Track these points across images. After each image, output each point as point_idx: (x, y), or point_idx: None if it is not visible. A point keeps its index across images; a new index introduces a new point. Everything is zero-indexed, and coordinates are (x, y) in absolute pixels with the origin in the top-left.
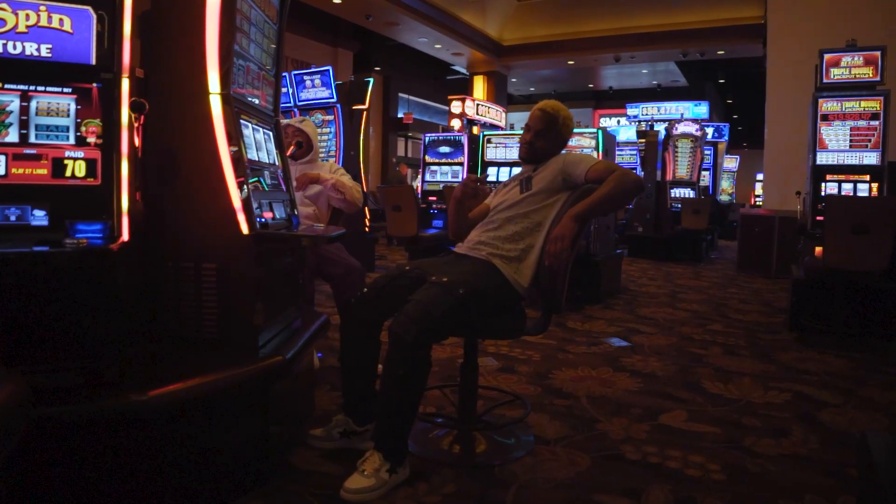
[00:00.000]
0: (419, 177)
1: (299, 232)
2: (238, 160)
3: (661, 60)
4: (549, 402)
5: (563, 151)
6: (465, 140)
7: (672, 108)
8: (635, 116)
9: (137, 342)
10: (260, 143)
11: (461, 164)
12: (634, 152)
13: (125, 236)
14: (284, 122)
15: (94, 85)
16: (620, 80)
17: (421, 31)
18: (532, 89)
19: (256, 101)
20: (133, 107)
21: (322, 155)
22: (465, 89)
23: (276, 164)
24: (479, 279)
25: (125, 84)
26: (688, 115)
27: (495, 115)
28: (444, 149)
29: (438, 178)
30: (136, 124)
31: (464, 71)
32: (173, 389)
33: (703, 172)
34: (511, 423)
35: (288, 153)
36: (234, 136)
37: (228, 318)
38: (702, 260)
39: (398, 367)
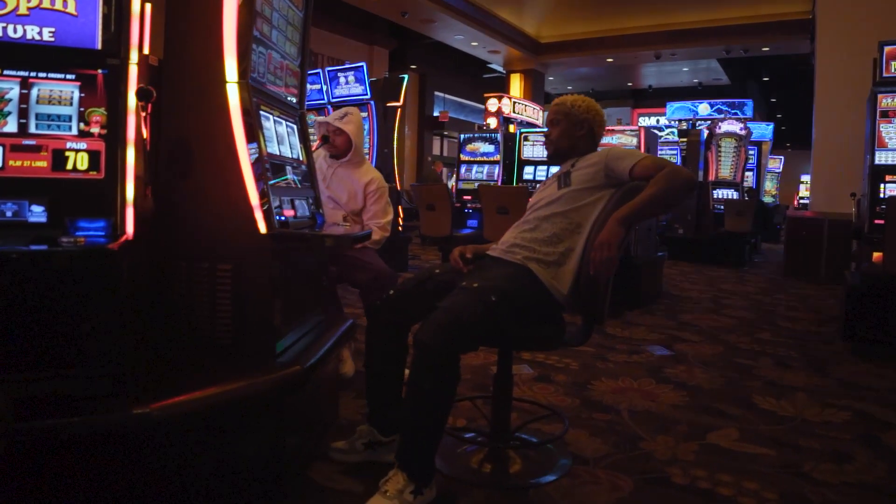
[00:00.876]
0: (454, 175)
1: (323, 231)
2: (256, 154)
3: (703, 58)
4: (587, 416)
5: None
6: (500, 138)
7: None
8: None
9: (145, 348)
10: (282, 137)
11: (497, 162)
12: (675, 152)
13: (129, 234)
14: (321, 119)
15: (100, 71)
16: (660, 78)
17: (457, 28)
18: (570, 88)
19: (279, 93)
20: (140, 94)
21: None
22: (501, 88)
23: (301, 158)
24: (514, 285)
25: (133, 71)
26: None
27: (532, 113)
28: (480, 147)
29: (474, 176)
30: (143, 114)
31: (500, 69)
32: (178, 402)
33: (747, 173)
34: (547, 441)
35: (314, 148)
36: (253, 128)
37: (244, 323)
38: (745, 264)
39: (424, 380)
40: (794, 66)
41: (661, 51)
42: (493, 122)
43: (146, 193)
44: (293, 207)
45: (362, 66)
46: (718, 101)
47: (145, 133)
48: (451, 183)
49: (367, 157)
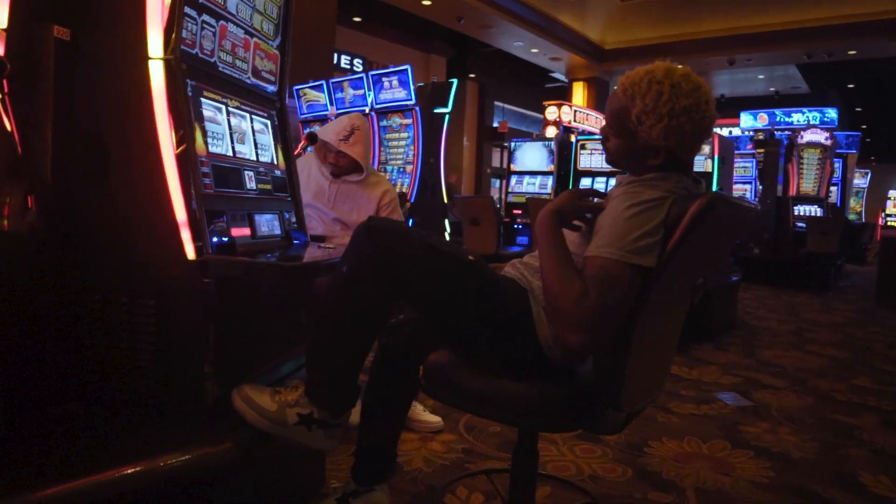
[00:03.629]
0: (502, 187)
1: (304, 253)
2: (187, 153)
3: (781, 63)
4: (642, 496)
5: (707, 154)
6: (554, 147)
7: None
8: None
9: (32, 408)
10: (243, 133)
11: (551, 173)
12: (751, 164)
13: None
14: (321, 135)
15: None
16: (733, 86)
17: (516, 34)
18: None
19: (240, 77)
20: None
21: (399, 163)
22: (563, 97)
23: (273, 161)
24: (506, 290)
25: None
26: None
27: (595, 122)
28: (533, 156)
29: (525, 188)
30: None
31: (562, 78)
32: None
33: (831, 188)
34: None
35: (297, 150)
36: (183, 119)
37: (169, 376)
38: (829, 288)
39: (357, 275)
40: (883, 72)
41: (736, 56)
42: (551, 131)
43: (27, 205)
44: (251, 224)
45: (407, 69)
46: (800, 108)
47: (6, 122)
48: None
49: (410, 166)
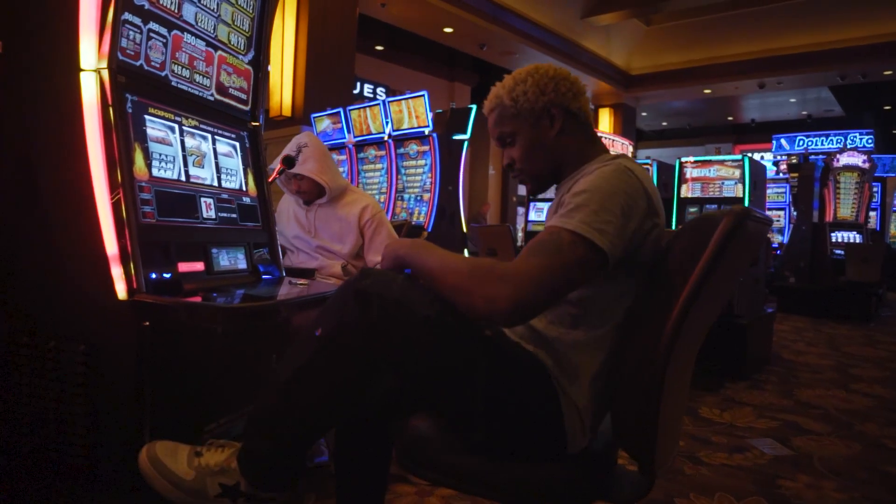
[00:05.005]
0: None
1: (279, 291)
2: (122, 176)
3: (814, 85)
4: None
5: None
6: None
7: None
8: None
9: None
10: (202, 156)
11: None
12: (784, 189)
13: None
14: (274, 163)
15: None
16: (764, 110)
17: (540, 60)
18: (664, 124)
19: (202, 94)
20: None
21: (416, 191)
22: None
23: (242, 187)
24: (523, 372)
25: None
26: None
27: (620, 148)
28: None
29: (546, 216)
30: None
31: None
32: None
33: (870, 213)
34: None
35: (271, 178)
36: (118, 136)
37: (101, 434)
38: (871, 319)
39: (335, 338)
40: None
41: (766, 79)
42: None
43: None
44: (206, 258)
45: (423, 95)
46: (834, 131)
47: None
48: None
49: (428, 194)
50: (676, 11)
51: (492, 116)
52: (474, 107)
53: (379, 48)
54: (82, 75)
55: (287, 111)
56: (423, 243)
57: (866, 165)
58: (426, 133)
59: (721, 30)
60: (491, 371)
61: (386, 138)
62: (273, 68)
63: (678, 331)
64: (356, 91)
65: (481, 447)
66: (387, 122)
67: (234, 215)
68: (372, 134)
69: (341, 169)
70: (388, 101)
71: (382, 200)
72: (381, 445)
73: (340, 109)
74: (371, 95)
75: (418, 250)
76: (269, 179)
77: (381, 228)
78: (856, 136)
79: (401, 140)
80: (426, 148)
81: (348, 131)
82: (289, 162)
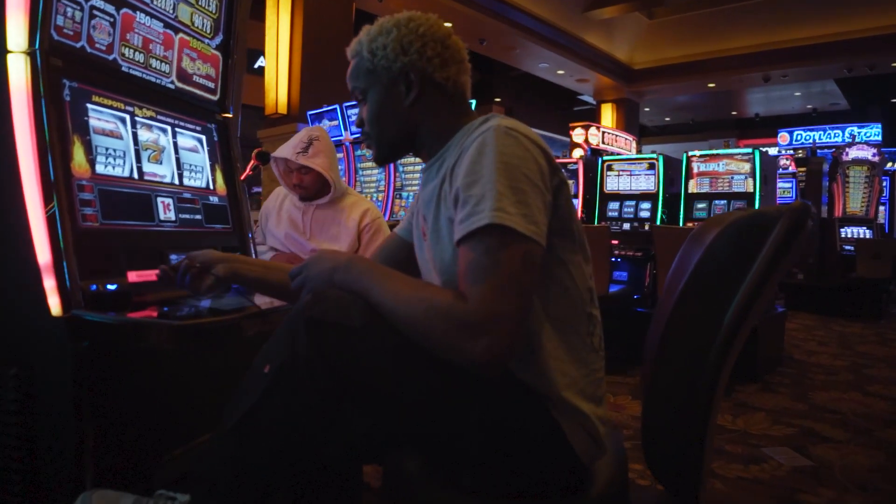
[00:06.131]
0: None
1: (245, 306)
2: (56, 173)
3: (819, 78)
4: None
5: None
6: (579, 168)
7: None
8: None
9: None
10: (161, 150)
11: (574, 196)
12: (791, 184)
13: None
14: (278, 153)
15: None
16: (768, 105)
17: (541, 55)
18: (667, 119)
19: (159, 81)
20: None
21: (414, 190)
22: (592, 120)
23: (209, 186)
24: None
25: None
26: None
27: (624, 143)
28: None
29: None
30: None
31: (591, 100)
32: None
33: (880, 207)
34: None
35: (244, 175)
36: (55, 129)
37: (38, 473)
38: (882, 316)
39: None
40: None
41: (771, 72)
42: (578, 153)
43: None
44: (167, 265)
45: None
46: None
47: None
48: None
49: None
50: (679, 4)
51: (350, 66)
52: (474, 102)
53: None
54: (9, 57)
55: (283, 108)
56: (359, 263)
57: (876, 159)
58: None
59: (725, 22)
60: (475, 397)
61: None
62: (268, 65)
63: (728, 350)
64: None
65: (477, 485)
66: None
67: (198, 216)
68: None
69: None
70: None
71: (380, 199)
72: (352, 494)
73: (337, 106)
74: None
75: (355, 275)
76: (242, 176)
77: (378, 235)
78: (868, 131)
79: None
80: None
81: (345, 128)
82: (262, 157)
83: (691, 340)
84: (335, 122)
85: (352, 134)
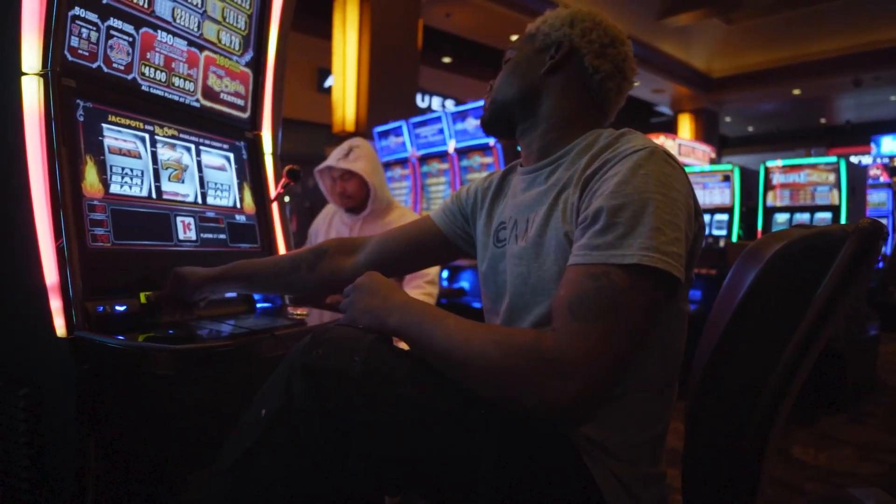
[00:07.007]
0: None
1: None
2: (66, 193)
3: None
4: None
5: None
6: None
7: None
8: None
9: None
10: (184, 168)
11: None
12: (887, 194)
13: None
14: (320, 166)
15: None
16: (860, 111)
17: None
18: (750, 129)
19: (186, 100)
20: None
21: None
22: (669, 132)
23: (236, 205)
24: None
25: None
26: None
27: (701, 155)
28: None
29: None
30: None
31: (668, 111)
32: None
33: None
34: None
35: (275, 194)
36: (66, 150)
37: (48, 494)
38: None
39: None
40: None
41: (862, 76)
42: None
43: None
44: (153, 294)
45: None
46: None
47: None
48: None
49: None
50: (759, 8)
51: None
52: None
53: (446, 60)
54: (24, 80)
55: (350, 126)
56: (416, 304)
57: None
58: (490, 144)
59: (809, 24)
60: (494, 450)
61: (450, 151)
62: (335, 83)
63: (785, 388)
64: (425, 104)
65: None
66: (450, 135)
67: (222, 236)
68: (435, 146)
69: (404, 184)
70: (451, 114)
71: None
72: None
73: (402, 122)
74: (440, 108)
75: (417, 318)
76: (273, 195)
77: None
78: None
79: (464, 152)
80: (490, 160)
81: (411, 145)
82: (293, 175)
83: (743, 371)
84: (401, 139)
85: (418, 150)
